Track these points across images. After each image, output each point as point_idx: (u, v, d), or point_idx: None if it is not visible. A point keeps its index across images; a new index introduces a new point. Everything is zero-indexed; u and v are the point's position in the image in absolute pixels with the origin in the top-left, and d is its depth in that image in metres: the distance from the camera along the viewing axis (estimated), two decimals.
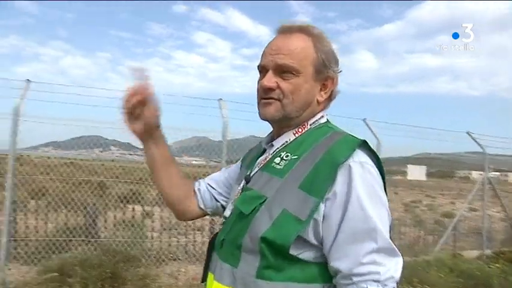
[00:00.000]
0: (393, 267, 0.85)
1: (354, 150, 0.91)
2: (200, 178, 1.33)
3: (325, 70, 1.04)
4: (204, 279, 1.10)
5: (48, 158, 6.06)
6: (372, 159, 0.94)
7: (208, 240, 1.07)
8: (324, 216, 0.87)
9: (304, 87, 1.01)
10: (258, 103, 1.06)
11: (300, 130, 1.06)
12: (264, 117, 1.05)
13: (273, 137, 1.12)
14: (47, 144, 7.02)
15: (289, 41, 1.02)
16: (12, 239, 4.47)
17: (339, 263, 0.86)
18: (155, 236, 5.61)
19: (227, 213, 1.09)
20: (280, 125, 1.07)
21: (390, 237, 0.87)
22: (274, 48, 1.03)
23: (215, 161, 5.51)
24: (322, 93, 1.06)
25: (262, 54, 1.06)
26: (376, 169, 0.93)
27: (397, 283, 0.86)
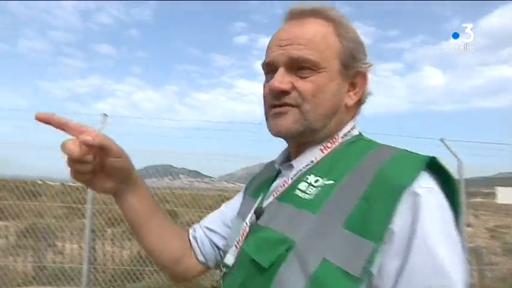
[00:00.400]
0: None
1: (421, 171, 0.64)
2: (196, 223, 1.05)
3: (354, 64, 0.79)
4: None
5: None
6: (439, 184, 0.66)
7: None
8: (379, 268, 0.60)
9: (329, 87, 0.76)
10: (267, 114, 0.81)
11: (328, 145, 0.80)
12: (277, 133, 0.79)
13: (289, 156, 0.87)
14: None
15: (303, 28, 0.78)
16: (91, 266, 4.67)
17: None
18: None
19: (229, 260, 0.82)
20: (301, 140, 0.81)
21: None
22: (285, 37, 0.78)
23: None
24: (352, 94, 0.81)
25: (267, 51, 0.81)
26: (444, 197, 0.66)
27: None
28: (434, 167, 0.67)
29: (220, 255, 0.96)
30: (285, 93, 0.76)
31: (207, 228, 1.00)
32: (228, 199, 1.08)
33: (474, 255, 5.39)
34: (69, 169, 0.76)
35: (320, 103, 0.76)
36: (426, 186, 0.63)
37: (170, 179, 6.89)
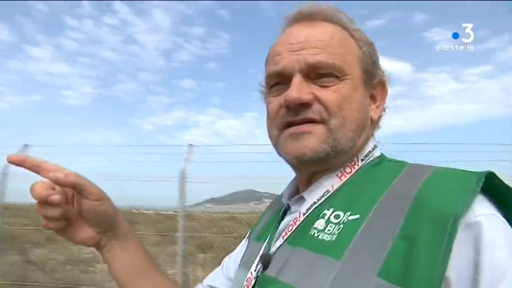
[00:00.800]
0: None
1: (475, 193, 0.49)
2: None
3: (375, 71, 0.67)
4: None
5: (210, 213, 6.56)
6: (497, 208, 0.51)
7: None
8: None
9: (354, 96, 0.63)
10: (277, 136, 0.66)
11: (347, 170, 0.65)
12: (300, 157, 0.62)
13: (297, 188, 0.72)
14: (208, 201, 7.67)
15: (317, 30, 0.65)
16: None
17: None
18: None
19: None
20: (322, 166, 0.65)
21: None
22: (296, 41, 0.64)
23: None
24: (374, 107, 0.68)
25: (273, 59, 0.67)
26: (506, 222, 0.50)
27: None
28: (489, 186, 0.51)
29: None
30: (305, 105, 0.61)
31: (209, 286, 0.87)
32: None
33: None
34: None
35: (349, 117, 0.62)
36: (484, 212, 0.48)
37: (255, 204, 6.94)
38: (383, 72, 0.69)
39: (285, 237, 0.64)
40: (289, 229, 0.64)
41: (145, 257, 0.80)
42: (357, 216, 0.55)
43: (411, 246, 0.48)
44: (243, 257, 0.78)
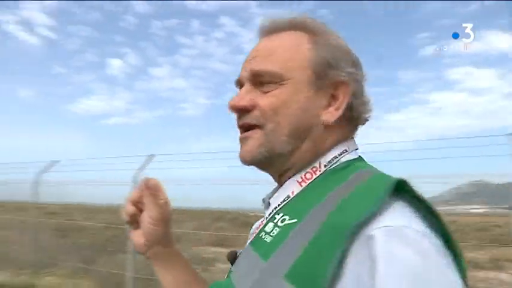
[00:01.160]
0: None
1: (382, 201, 0.49)
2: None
3: (330, 71, 0.66)
4: None
5: None
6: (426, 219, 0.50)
7: None
8: None
9: (295, 101, 0.64)
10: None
11: (307, 176, 0.65)
12: (242, 161, 0.68)
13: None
14: None
15: (270, 41, 0.70)
16: None
17: None
18: None
19: None
20: (273, 169, 0.69)
21: None
22: (252, 53, 0.71)
23: (504, 208, 4.61)
24: (332, 109, 0.66)
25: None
26: (433, 238, 0.48)
27: None
28: (412, 192, 0.52)
29: None
30: (244, 111, 0.67)
31: None
32: None
33: None
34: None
35: (284, 121, 0.64)
36: (388, 224, 0.47)
37: None
38: (349, 73, 0.67)
39: (251, 239, 0.68)
40: (255, 231, 0.69)
41: (191, 278, 0.81)
42: (295, 220, 0.57)
43: (317, 252, 0.49)
44: None
